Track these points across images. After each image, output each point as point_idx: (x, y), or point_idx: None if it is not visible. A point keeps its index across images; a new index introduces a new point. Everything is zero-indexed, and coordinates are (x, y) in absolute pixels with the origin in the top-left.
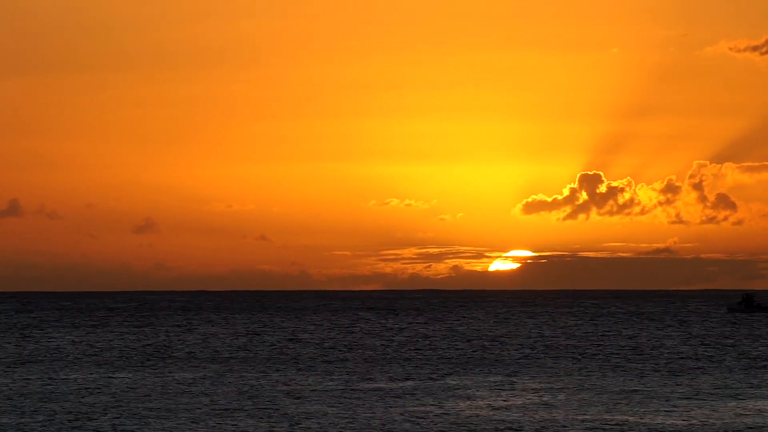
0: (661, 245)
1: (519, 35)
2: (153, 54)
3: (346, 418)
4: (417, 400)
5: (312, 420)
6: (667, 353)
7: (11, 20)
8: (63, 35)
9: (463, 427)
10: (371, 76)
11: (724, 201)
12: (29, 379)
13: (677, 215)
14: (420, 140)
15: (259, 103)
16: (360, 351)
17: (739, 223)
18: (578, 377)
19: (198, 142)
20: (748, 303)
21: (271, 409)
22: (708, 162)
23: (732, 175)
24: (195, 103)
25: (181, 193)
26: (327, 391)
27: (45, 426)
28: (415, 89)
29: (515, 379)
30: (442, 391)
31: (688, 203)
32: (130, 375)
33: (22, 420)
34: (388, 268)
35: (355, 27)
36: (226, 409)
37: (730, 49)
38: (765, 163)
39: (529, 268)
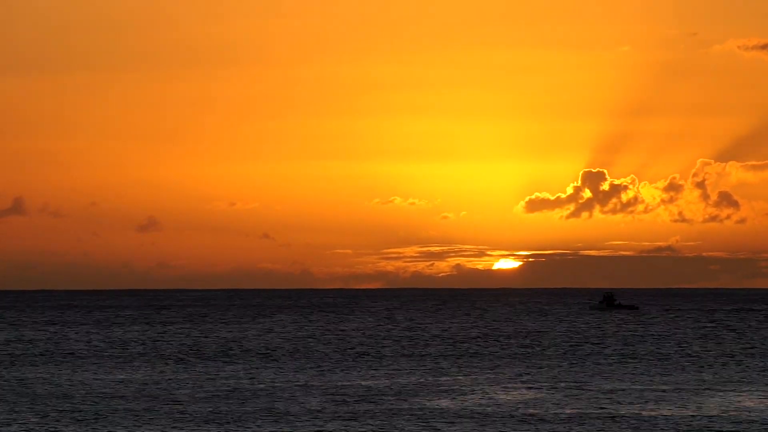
0: (663, 243)
1: (526, 33)
2: (157, 53)
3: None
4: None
5: None
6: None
7: (14, 20)
8: (67, 34)
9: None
10: (375, 75)
11: (726, 199)
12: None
13: (680, 213)
14: (424, 139)
15: (262, 101)
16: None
17: (741, 221)
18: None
19: (201, 140)
20: (609, 302)
21: None
22: (712, 160)
23: (735, 174)
24: (198, 102)
25: (184, 192)
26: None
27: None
28: (418, 88)
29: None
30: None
31: (690, 201)
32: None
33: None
34: (389, 266)
35: (359, 26)
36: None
37: (739, 47)
38: None
39: (531, 266)
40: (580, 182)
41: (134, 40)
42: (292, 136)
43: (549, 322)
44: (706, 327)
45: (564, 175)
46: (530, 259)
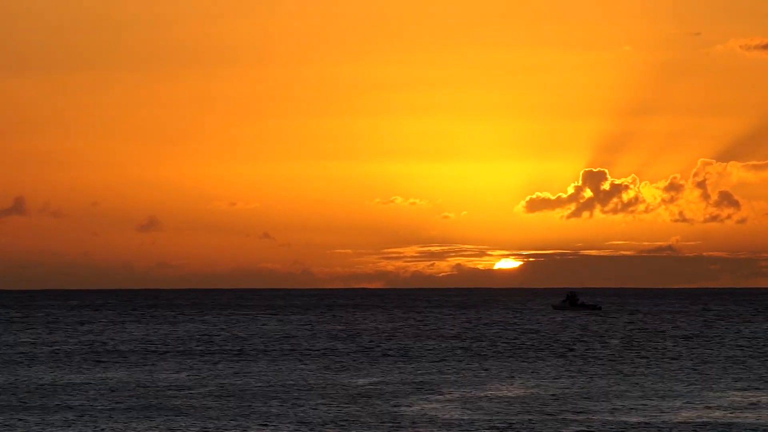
0: (663, 243)
1: (526, 33)
2: (158, 53)
3: None
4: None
5: None
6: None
7: (14, 20)
8: (67, 34)
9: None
10: (376, 74)
11: (727, 199)
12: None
13: (680, 213)
14: (424, 139)
15: (263, 101)
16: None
17: (742, 221)
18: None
19: (202, 140)
20: (572, 301)
21: None
22: (713, 160)
23: (736, 174)
24: (199, 102)
25: (185, 192)
26: None
27: None
28: (419, 88)
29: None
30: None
31: (691, 201)
32: None
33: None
34: (390, 266)
35: (359, 26)
36: None
37: (741, 47)
38: None
39: (531, 266)
40: (580, 182)
41: (134, 40)
42: (292, 136)
43: (492, 322)
44: (649, 327)
45: (564, 174)
46: (531, 259)
